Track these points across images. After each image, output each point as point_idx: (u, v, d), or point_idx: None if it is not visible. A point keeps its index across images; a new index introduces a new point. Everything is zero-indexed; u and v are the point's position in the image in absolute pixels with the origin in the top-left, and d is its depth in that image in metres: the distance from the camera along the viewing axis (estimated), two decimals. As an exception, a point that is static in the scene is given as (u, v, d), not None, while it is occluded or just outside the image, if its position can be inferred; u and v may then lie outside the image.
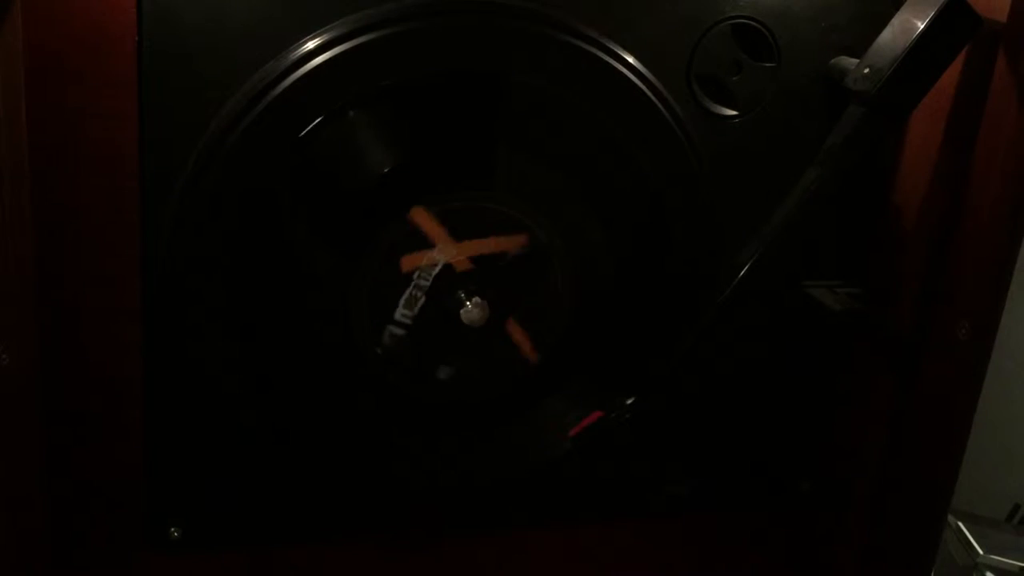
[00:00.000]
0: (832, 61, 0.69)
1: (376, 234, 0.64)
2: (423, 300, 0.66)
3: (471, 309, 0.65)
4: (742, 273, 0.68)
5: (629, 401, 0.69)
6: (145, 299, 0.63)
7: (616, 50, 0.64)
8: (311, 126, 0.60)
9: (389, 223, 0.64)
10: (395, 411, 0.70)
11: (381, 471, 0.71)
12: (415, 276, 0.65)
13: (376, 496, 0.71)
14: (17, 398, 0.60)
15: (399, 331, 0.66)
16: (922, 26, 0.64)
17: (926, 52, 0.64)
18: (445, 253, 0.65)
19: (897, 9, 0.66)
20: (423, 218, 0.64)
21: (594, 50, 0.63)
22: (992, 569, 0.77)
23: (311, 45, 0.59)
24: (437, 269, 0.65)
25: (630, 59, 0.65)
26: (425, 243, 0.65)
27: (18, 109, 0.57)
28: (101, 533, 0.68)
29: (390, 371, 0.67)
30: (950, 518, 0.76)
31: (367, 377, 0.68)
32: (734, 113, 0.69)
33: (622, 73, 0.64)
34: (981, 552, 0.77)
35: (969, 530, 0.77)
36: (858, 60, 0.67)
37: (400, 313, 0.66)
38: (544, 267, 0.68)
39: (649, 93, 0.65)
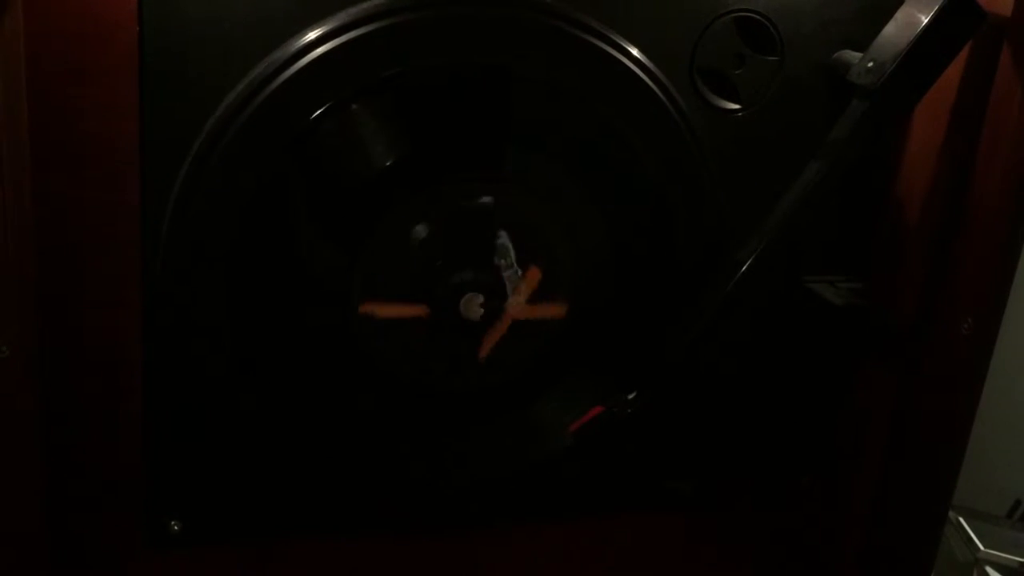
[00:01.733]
0: (835, 55, 0.69)
1: (378, 226, 0.64)
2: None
3: (471, 302, 0.65)
4: (744, 268, 0.67)
5: (630, 396, 0.69)
6: (145, 293, 0.62)
7: (619, 43, 0.64)
8: (312, 118, 0.60)
9: (390, 216, 0.64)
10: (395, 405, 0.70)
11: (381, 465, 0.71)
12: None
13: (376, 490, 0.71)
14: (16, 392, 0.60)
15: (400, 325, 0.66)
16: (926, 20, 0.64)
17: (930, 46, 0.64)
18: None
19: (901, 3, 0.66)
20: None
21: (597, 42, 0.63)
22: (993, 565, 0.77)
23: (312, 36, 0.59)
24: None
25: (633, 51, 0.64)
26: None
27: (19, 102, 0.57)
28: (100, 527, 0.67)
29: (391, 365, 0.67)
30: (951, 514, 0.77)
31: (367, 370, 0.68)
32: (737, 106, 0.69)
33: (625, 66, 0.64)
34: (982, 548, 0.77)
35: (970, 526, 0.77)
36: (861, 54, 0.67)
37: None
38: (546, 259, 0.68)
39: (652, 86, 0.65)
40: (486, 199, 0.65)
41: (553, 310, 0.68)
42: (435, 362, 0.69)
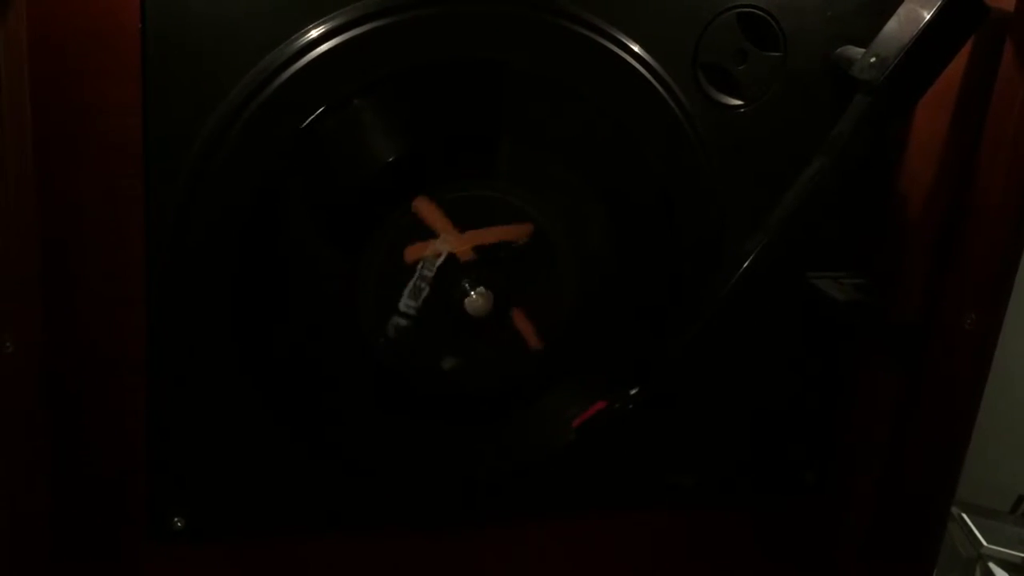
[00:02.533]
0: (838, 50, 0.69)
1: (380, 223, 0.64)
2: (427, 291, 0.66)
3: (475, 299, 0.65)
4: (747, 263, 0.67)
5: (633, 391, 0.69)
6: (149, 288, 0.63)
7: (621, 38, 0.64)
8: (315, 115, 0.60)
9: (392, 213, 0.64)
10: (398, 402, 0.70)
11: (383, 463, 0.71)
12: (419, 266, 0.65)
13: (378, 488, 0.71)
14: (20, 387, 0.60)
15: (404, 322, 0.66)
16: (928, 15, 0.64)
17: (932, 41, 0.64)
18: (448, 243, 0.65)
19: (904, -2, 0.66)
20: (427, 208, 0.64)
21: (599, 38, 0.63)
22: (995, 560, 0.77)
23: (315, 34, 0.59)
24: (441, 259, 0.65)
25: (635, 48, 0.64)
26: (429, 233, 0.65)
27: (23, 99, 0.57)
28: (103, 524, 0.68)
29: (395, 362, 0.67)
30: (954, 509, 0.77)
31: (371, 368, 0.68)
32: (739, 102, 0.69)
33: (627, 62, 0.64)
34: (985, 543, 0.77)
35: (973, 521, 0.77)
36: (864, 50, 0.67)
37: (405, 303, 0.66)
38: (548, 256, 0.68)
39: (654, 82, 0.65)
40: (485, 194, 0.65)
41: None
42: (439, 359, 0.69)
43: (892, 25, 0.66)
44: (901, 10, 0.66)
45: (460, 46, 0.62)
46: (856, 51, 0.68)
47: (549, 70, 0.63)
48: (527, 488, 0.74)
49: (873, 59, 0.65)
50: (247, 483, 0.68)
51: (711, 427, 0.77)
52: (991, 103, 0.69)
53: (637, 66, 0.64)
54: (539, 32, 0.62)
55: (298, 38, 0.59)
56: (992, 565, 0.77)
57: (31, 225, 0.59)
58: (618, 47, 0.64)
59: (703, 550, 0.82)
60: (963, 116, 0.71)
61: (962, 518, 0.78)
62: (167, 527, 0.67)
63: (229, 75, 0.59)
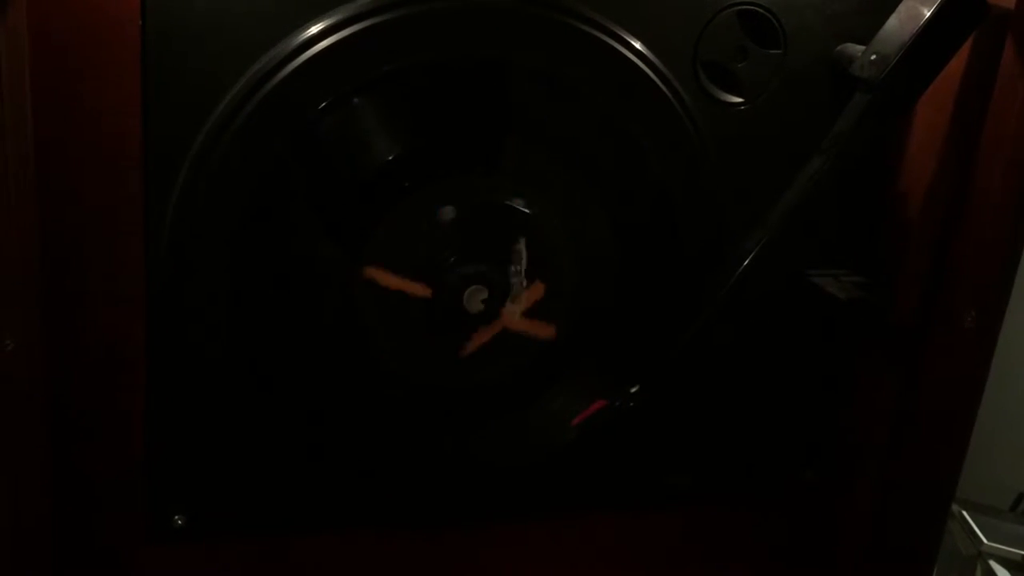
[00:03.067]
0: (838, 48, 0.69)
1: (380, 221, 0.64)
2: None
3: (473, 294, 0.65)
4: (747, 261, 0.67)
5: (633, 390, 0.69)
6: (149, 286, 0.63)
7: (622, 36, 0.64)
8: (315, 112, 0.60)
9: (391, 210, 0.64)
10: (397, 401, 0.70)
11: (383, 460, 0.71)
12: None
13: (378, 485, 0.71)
14: (20, 385, 0.60)
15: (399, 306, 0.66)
16: (928, 13, 0.64)
17: (933, 39, 0.64)
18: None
19: (904, -5, 0.66)
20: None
21: (601, 36, 0.63)
22: (995, 558, 0.77)
23: (315, 30, 0.59)
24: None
25: (636, 45, 0.64)
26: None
27: (23, 96, 0.57)
28: (103, 521, 0.67)
29: (392, 359, 0.67)
30: (954, 507, 0.77)
31: (369, 365, 0.68)
32: (740, 100, 0.69)
33: (628, 59, 0.64)
34: (985, 541, 0.77)
35: (973, 519, 0.77)
36: (864, 47, 0.67)
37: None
38: (548, 259, 0.68)
39: (655, 79, 0.65)
40: (485, 192, 0.65)
41: (543, 329, 0.68)
42: (438, 357, 0.69)
43: (892, 23, 0.66)
44: (901, 8, 0.66)
45: (460, 43, 0.62)
46: (856, 49, 0.68)
47: (550, 67, 0.63)
48: (526, 487, 0.74)
49: (873, 57, 0.65)
50: (247, 481, 0.68)
51: (710, 426, 0.77)
52: (991, 101, 0.69)
53: (638, 63, 0.64)
54: (540, 29, 0.62)
55: (298, 35, 0.59)
56: (992, 563, 0.77)
57: (31, 224, 0.59)
58: (619, 44, 0.64)
59: (702, 549, 0.82)
60: (963, 114, 0.71)
61: (962, 516, 0.78)
62: (167, 525, 0.67)
63: (228, 73, 0.59)
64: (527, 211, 0.66)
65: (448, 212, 0.65)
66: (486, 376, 0.70)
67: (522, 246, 0.65)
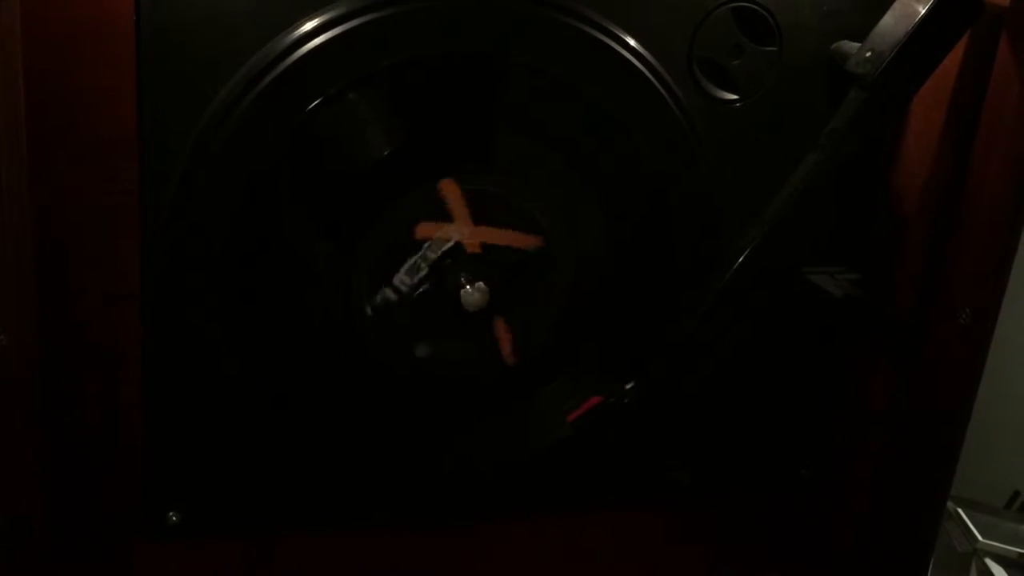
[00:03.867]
0: (834, 45, 0.69)
1: (375, 216, 0.64)
2: (425, 271, 0.65)
3: (472, 293, 0.65)
4: (742, 258, 0.68)
5: (628, 386, 0.69)
6: (144, 282, 0.63)
7: (617, 33, 0.64)
8: (310, 107, 0.60)
9: (389, 205, 0.64)
10: (394, 397, 0.70)
11: (379, 457, 0.71)
12: (425, 246, 0.65)
13: (374, 482, 0.71)
14: (15, 380, 0.60)
15: (393, 297, 0.66)
16: (923, 10, 0.64)
17: (928, 36, 0.64)
18: (461, 232, 0.65)
19: (899, -7, 0.66)
20: (452, 192, 0.64)
21: (595, 32, 0.63)
22: (991, 555, 0.77)
23: (310, 26, 0.59)
24: (448, 245, 0.65)
25: (631, 42, 0.64)
26: (445, 217, 0.65)
27: (16, 91, 0.57)
28: (99, 518, 0.67)
29: (373, 339, 0.67)
30: (949, 504, 0.76)
31: (367, 362, 0.68)
32: (735, 97, 0.69)
33: (623, 56, 0.64)
34: (980, 538, 0.77)
35: (968, 516, 0.77)
36: (860, 44, 0.67)
37: (400, 279, 0.65)
38: (549, 272, 0.68)
39: (650, 76, 0.65)
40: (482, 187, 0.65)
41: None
42: (435, 353, 0.69)
43: (887, 20, 0.66)
44: (896, 5, 0.66)
45: (455, 40, 0.62)
46: (852, 46, 0.68)
47: (544, 64, 0.63)
48: (524, 483, 0.74)
49: (868, 54, 0.66)
50: (242, 478, 0.68)
51: (707, 423, 0.77)
52: (986, 98, 0.69)
53: (633, 60, 0.64)
54: (534, 26, 0.62)
55: (293, 31, 0.59)
56: (988, 560, 0.77)
57: (25, 219, 0.59)
58: (614, 41, 0.64)
59: (698, 545, 0.82)
60: (958, 111, 0.71)
61: (958, 513, 0.78)
62: (163, 521, 0.67)
63: (224, 68, 0.59)
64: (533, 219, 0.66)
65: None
66: (483, 372, 0.70)
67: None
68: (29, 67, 0.57)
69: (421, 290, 0.66)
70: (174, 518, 0.67)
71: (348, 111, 0.62)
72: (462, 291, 0.65)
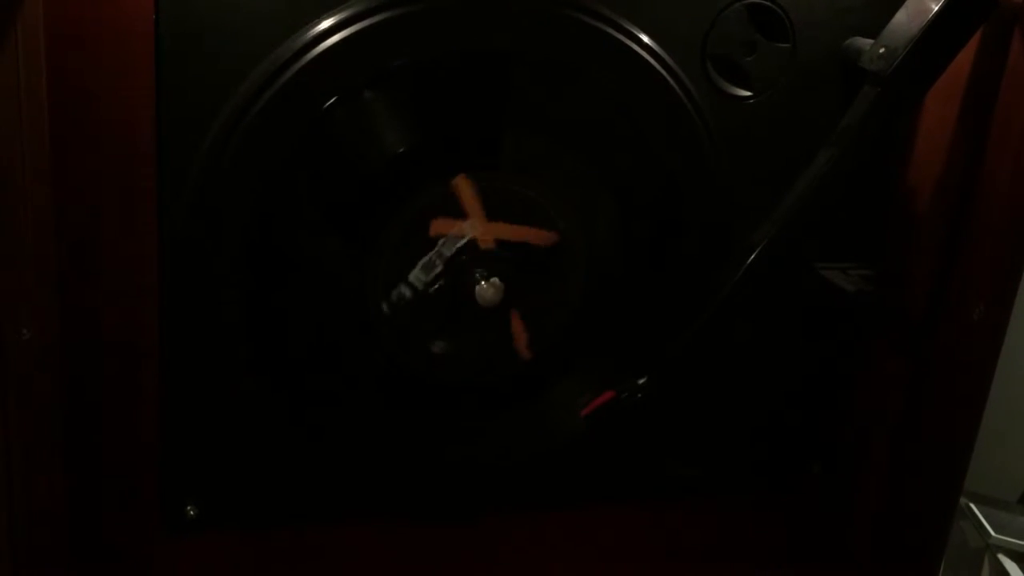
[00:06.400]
0: (847, 41, 0.69)
1: (391, 214, 0.64)
2: (440, 268, 0.66)
3: (487, 288, 0.65)
4: (755, 254, 0.68)
5: (641, 381, 0.70)
6: (162, 278, 0.63)
7: (631, 30, 0.64)
8: (326, 105, 0.61)
9: (405, 202, 0.64)
10: (408, 393, 0.70)
11: (393, 452, 0.71)
12: (439, 243, 0.65)
13: (388, 477, 0.71)
14: (36, 374, 0.61)
15: (408, 293, 0.66)
16: (937, 7, 0.64)
17: (941, 32, 0.64)
18: (475, 228, 0.65)
19: (912, -11, 0.66)
20: (465, 188, 0.64)
21: (609, 30, 0.63)
22: (1004, 551, 0.77)
23: (326, 24, 0.59)
24: (463, 241, 0.66)
25: (645, 38, 0.65)
26: (459, 213, 0.65)
27: (39, 87, 0.57)
28: (116, 512, 0.68)
29: (389, 333, 0.67)
30: (962, 500, 0.76)
31: (381, 358, 0.68)
32: (748, 93, 0.69)
33: (637, 53, 0.64)
34: (993, 534, 0.77)
35: (981, 512, 0.77)
36: (873, 41, 0.67)
37: (415, 275, 0.66)
38: (563, 267, 0.68)
39: (664, 73, 0.65)
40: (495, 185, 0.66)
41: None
42: (448, 349, 0.69)
43: (901, 16, 0.66)
44: (910, 2, 0.66)
45: (471, 37, 0.62)
46: (865, 42, 0.68)
47: (559, 61, 0.64)
48: (536, 479, 0.74)
49: (882, 50, 0.66)
50: (259, 472, 0.68)
51: (718, 418, 0.77)
52: (999, 94, 0.69)
53: (647, 56, 0.64)
54: (549, 23, 0.63)
55: (309, 29, 0.59)
56: (1001, 556, 0.77)
57: (47, 215, 0.59)
58: (628, 38, 0.64)
59: (710, 541, 0.82)
60: (971, 107, 0.71)
61: (970, 509, 0.78)
62: (180, 516, 0.68)
63: (241, 66, 0.60)
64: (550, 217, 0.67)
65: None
66: (496, 368, 0.71)
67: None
68: (50, 68, 0.57)
69: (436, 286, 0.66)
70: (192, 512, 0.68)
71: (364, 109, 0.63)
72: (477, 287, 0.65)
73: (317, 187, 0.64)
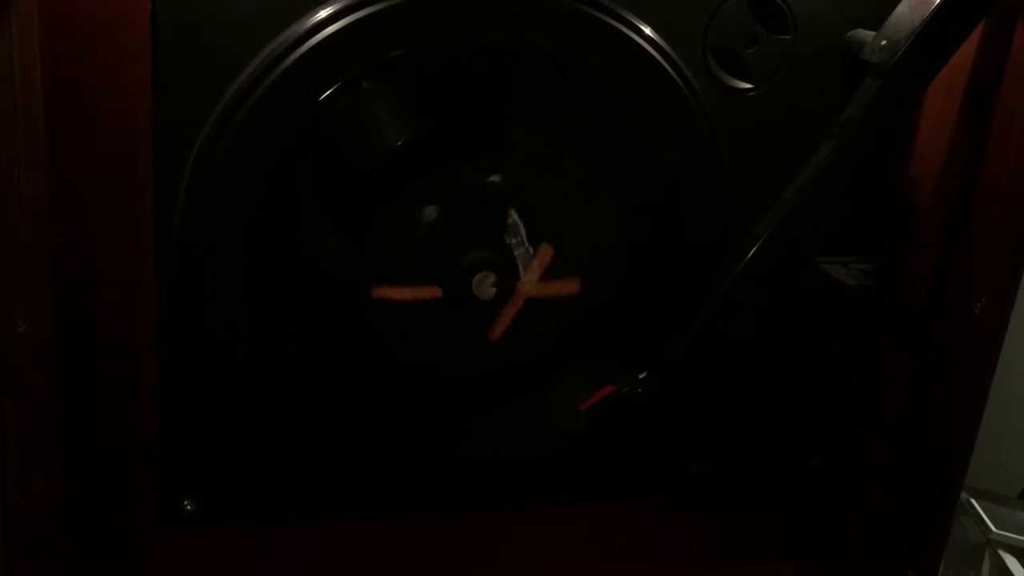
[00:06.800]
0: (848, 34, 0.69)
1: (389, 206, 0.64)
2: None
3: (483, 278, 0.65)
4: (755, 248, 0.67)
5: (641, 376, 0.69)
6: (159, 271, 0.63)
7: (632, 21, 0.64)
8: (324, 97, 0.60)
9: (401, 195, 0.64)
10: (408, 388, 0.70)
11: (393, 448, 0.71)
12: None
13: (388, 473, 0.71)
14: (32, 367, 0.60)
15: None
16: (939, -1, 0.63)
17: (943, 25, 0.64)
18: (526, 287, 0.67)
19: (915, -19, 0.66)
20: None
21: (609, 21, 0.63)
22: (1004, 546, 0.77)
23: (324, 14, 0.59)
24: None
25: (646, 30, 0.64)
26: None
27: (34, 79, 0.57)
28: (113, 506, 0.68)
29: (387, 329, 0.67)
30: (963, 496, 0.76)
31: (380, 353, 0.68)
32: (749, 86, 0.69)
33: (638, 44, 0.64)
34: (994, 529, 0.77)
35: (982, 507, 0.77)
36: (875, 32, 0.67)
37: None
38: (564, 263, 0.68)
39: (664, 65, 0.65)
40: (494, 178, 0.65)
41: (566, 286, 0.68)
42: (448, 344, 0.69)
43: (903, 8, 0.65)
44: (912, -7, 0.66)
45: (469, 28, 0.62)
46: (867, 34, 0.68)
47: (559, 52, 0.63)
48: (536, 474, 0.74)
49: (884, 42, 0.65)
50: (257, 467, 0.68)
51: (719, 413, 0.77)
52: (1001, 87, 0.69)
53: (647, 48, 0.64)
54: (548, 14, 0.62)
55: (306, 19, 0.59)
56: (1001, 551, 0.77)
57: (42, 208, 0.59)
58: (629, 29, 0.64)
59: (711, 535, 0.82)
60: (973, 101, 0.71)
61: (971, 504, 0.78)
62: (177, 510, 0.68)
63: (238, 57, 0.59)
64: (534, 194, 0.66)
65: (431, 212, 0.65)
66: (497, 365, 0.70)
67: (516, 217, 0.65)
68: (45, 59, 0.57)
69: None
70: (189, 507, 0.68)
71: (362, 100, 0.62)
72: (474, 280, 0.65)
73: (315, 178, 0.64)
